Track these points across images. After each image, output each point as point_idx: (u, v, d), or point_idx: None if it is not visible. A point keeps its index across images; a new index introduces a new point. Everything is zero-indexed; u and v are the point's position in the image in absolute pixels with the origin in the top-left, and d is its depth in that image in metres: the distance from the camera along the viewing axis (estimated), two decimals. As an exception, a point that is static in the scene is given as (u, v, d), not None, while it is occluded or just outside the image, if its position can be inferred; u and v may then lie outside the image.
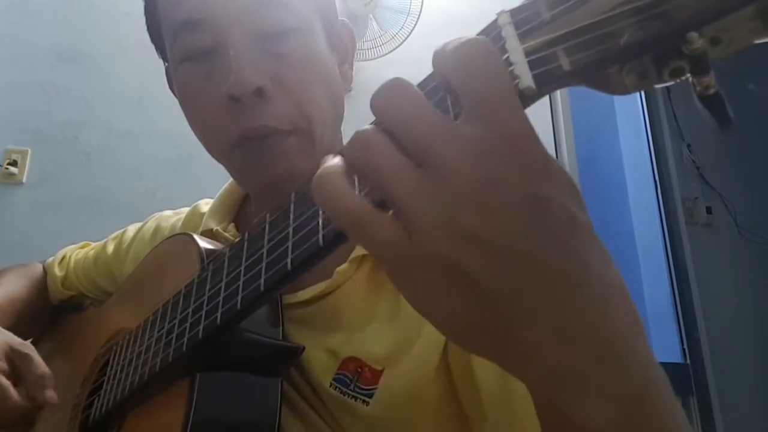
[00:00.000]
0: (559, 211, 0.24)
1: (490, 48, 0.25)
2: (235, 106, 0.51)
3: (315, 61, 0.54)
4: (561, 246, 0.24)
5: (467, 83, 0.24)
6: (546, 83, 0.25)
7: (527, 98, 0.25)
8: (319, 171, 0.27)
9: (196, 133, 0.58)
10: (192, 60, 0.54)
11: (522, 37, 0.26)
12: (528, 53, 0.25)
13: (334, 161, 0.27)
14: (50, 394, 0.58)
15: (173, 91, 0.61)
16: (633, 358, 0.25)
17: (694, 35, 0.22)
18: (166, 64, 0.62)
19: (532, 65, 0.25)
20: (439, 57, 0.26)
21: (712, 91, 0.23)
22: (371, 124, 0.28)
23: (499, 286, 0.24)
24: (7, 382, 0.58)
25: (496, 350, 0.26)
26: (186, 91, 0.56)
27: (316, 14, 0.56)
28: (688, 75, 0.23)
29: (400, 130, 0.25)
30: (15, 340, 0.61)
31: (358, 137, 0.26)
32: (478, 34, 0.28)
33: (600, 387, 0.24)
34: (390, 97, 0.26)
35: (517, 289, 0.24)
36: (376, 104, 0.26)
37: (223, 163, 0.58)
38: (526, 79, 0.25)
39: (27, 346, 0.61)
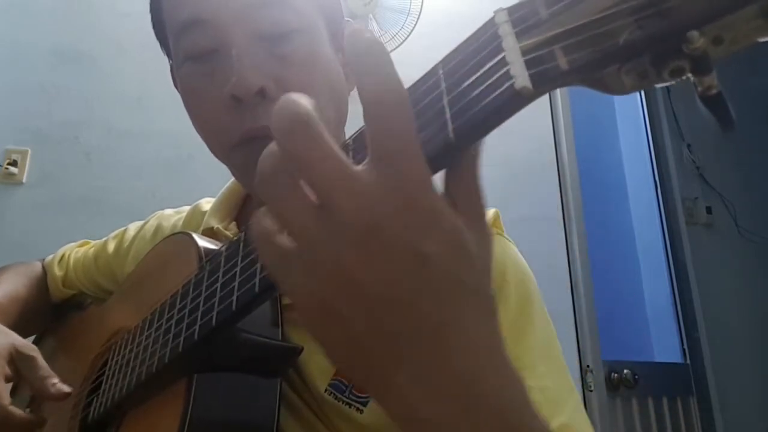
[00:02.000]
0: (437, 268, 0.25)
1: (401, 95, 0.25)
2: (238, 107, 0.51)
3: (318, 62, 0.54)
4: (433, 301, 0.25)
5: (374, 129, 0.25)
6: (543, 83, 0.24)
7: (524, 98, 0.25)
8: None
9: (198, 132, 0.58)
10: (195, 60, 0.54)
11: (519, 35, 0.25)
12: (525, 52, 0.25)
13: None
14: (59, 386, 0.57)
15: (177, 89, 0.61)
16: (499, 411, 0.25)
17: (694, 34, 0.21)
18: (170, 62, 0.62)
19: (528, 64, 0.24)
20: (360, 91, 0.25)
21: (714, 91, 0.23)
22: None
23: (368, 330, 0.25)
24: (13, 409, 0.57)
25: (369, 389, 0.27)
26: (189, 90, 0.57)
27: (319, 14, 0.56)
28: (689, 75, 0.23)
29: (302, 169, 0.25)
30: (19, 341, 0.61)
31: (264, 166, 0.26)
32: (474, 32, 0.28)
33: None
34: (292, 135, 0.24)
35: (384, 336, 0.25)
36: (276, 135, 0.25)
37: (224, 162, 0.58)
38: (523, 79, 0.24)
39: (31, 348, 0.60)
